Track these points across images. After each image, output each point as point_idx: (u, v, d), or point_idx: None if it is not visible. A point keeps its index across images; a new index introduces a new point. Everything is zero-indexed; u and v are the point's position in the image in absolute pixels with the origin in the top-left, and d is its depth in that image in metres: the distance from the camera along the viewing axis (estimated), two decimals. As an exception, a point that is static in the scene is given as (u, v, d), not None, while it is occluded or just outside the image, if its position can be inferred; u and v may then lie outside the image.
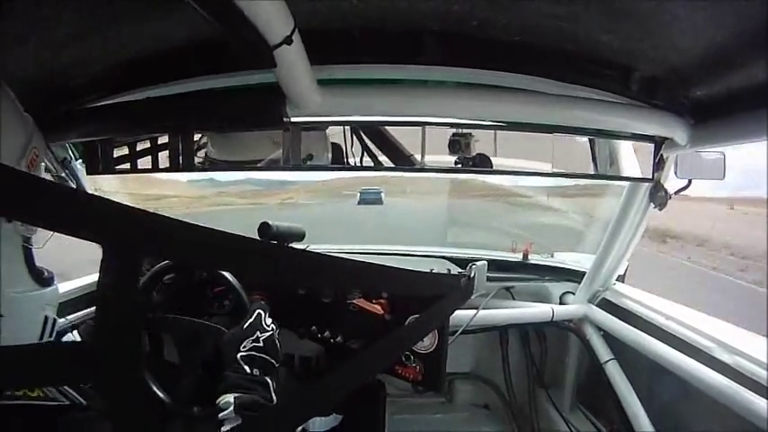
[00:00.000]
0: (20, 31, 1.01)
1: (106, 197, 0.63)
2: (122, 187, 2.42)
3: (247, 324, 1.35)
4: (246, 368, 1.26)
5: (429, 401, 2.63)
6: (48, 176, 1.63)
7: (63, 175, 1.72)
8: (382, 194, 18.63)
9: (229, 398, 1.19)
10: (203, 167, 1.54)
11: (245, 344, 1.30)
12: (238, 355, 1.28)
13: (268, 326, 1.35)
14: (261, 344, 1.32)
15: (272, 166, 1.48)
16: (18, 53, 1.11)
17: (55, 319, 1.18)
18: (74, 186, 1.75)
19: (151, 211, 0.71)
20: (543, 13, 1.02)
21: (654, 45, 1.12)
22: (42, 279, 1.13)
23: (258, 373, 1.27)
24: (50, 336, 1.16)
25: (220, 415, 1.18)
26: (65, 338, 1.77)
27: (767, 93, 1.10)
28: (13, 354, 0.64)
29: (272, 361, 1.31)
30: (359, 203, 18.58)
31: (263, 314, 1.36)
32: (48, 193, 0.59)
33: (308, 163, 1.44)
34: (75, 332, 1.69)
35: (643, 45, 1.13)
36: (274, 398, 1.25)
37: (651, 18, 0.98)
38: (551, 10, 1.01)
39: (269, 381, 1.27)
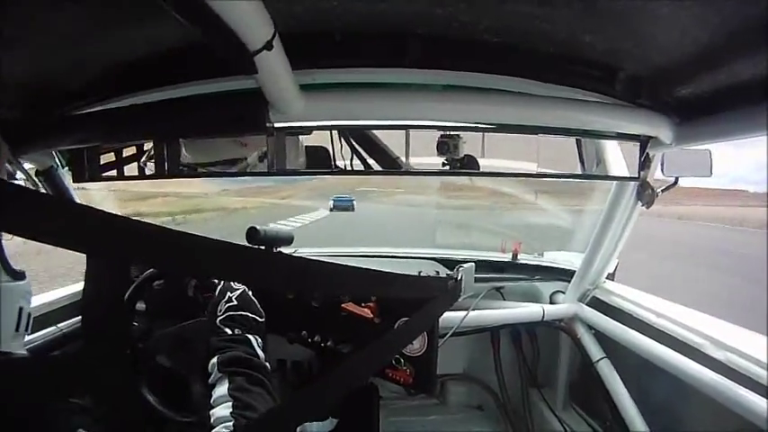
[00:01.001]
0: (6, 37, 1.00)
1: (90, 206, 0.62)
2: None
3: (218, 291, 1.40)
4: (228, 330, 1.29)
5: (422, 403, 2.64)
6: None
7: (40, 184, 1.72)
8: (354, 202, 19.52)
9: (213, 360, 1.22)
10: (189, 174, 1.53)
11: (219, 307, 1.34)
12: (217, 321, 1.31)
13: (237, 287, 1.39)
14: (234, 302, 1.36)
15: (253, 171, 1.47)
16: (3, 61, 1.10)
17: (30, 313, 1.19)
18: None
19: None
20: (525, 14, 1.02)
21: (637, 45, 1.12)
22: (14, 273, 1.15)
23: (240, 332, 1.29)
24: (27, 328, 1.18)
25: (210, 380, 1.21)
26: None
27: (752, 90, 1.11)
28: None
29: (252, 316, 1.35)
30: (331, 210, 19.29)
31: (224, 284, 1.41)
32: (29, 201, 0.58)
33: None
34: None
35: (626, 45, 1.13)
36: (260, 353, 1.27)
37: (634, 17, 0.98)
38: (533, 11, 1.00)
39: (250, 337, 1.29)
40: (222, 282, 1.41)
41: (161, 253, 0.71)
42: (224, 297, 1.36)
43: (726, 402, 1.39)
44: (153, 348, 1.61)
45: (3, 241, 1.10)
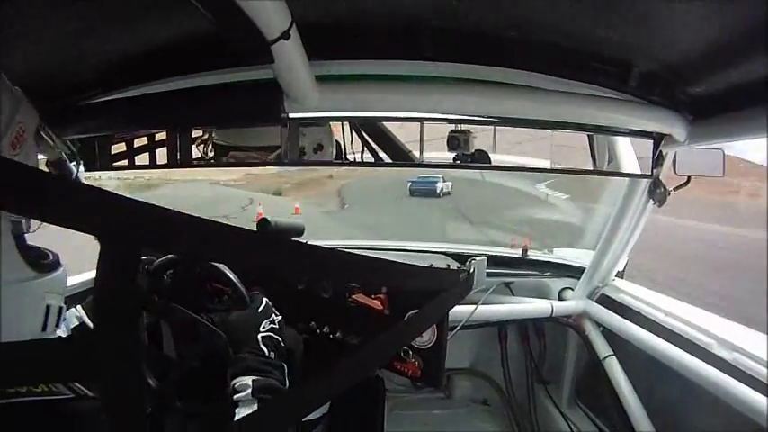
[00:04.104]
0: (17, 29, 1.01)
1: (104, 188, 0.63)
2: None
3: (261, 307, 1.39)
4: (265, 350, 1.28)
5: (428, 397, 2.64)
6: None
7: (64, 155, 1.66)
8: (438, 184, 13.56)
9: (247, 380, 1.19)
10: (201, 163, 1.53)
11: (263, 325, 1.33)
12: (259, 336, 1.30)
13: (277, 313, 1.39)
14: (277, 326, 1.35)
15: (272, 160, 1.48)
16: (16, 50, 1.11)
17: (61, 308, 1.10)
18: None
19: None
20: (541, 8, 1.02)
21: (652, 41, 1.12)
22: (41, 265, 1.05)
23: (274, 356, 1.28)
24: (56, 326, 1.09)
25: (235, 397, 1.19)
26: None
27: (766, 88, 1.10)
28: (8, 350, 0.64)
29: (284, 345, 1.34)
30: (411, 195, 14.03)
31: (269, 303, 1.40)
32: (42, 183, 0.58)
33: (318, 153, 1.44)
34: (78, 307, 1.64)
35: (641, 41, 1.13)
36: (287, 382, 1.26)
37: (649, 13, 0.98)
38: (550, 5, 1.00)
39: (284, 365, 1.29)
40: (264, 302, 1.41)
41: (174, 238, 0.71)
42: (268, 317, 1.36)
43: (732, 402, 1.38)
44: (163, 312, 1.61)
45: (27, 230, 1.05)
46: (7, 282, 0.96)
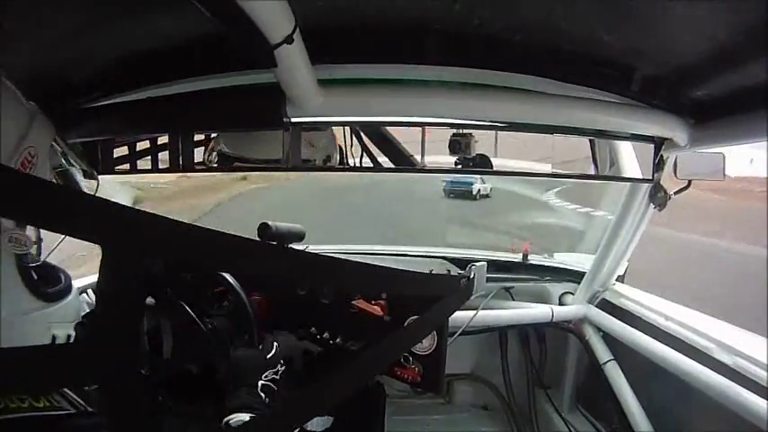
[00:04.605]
0: (19, 30, 1.00)
1: (105, 198, 0.62)
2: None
3: (270, 355, 1.42)
4: (262, 395, 1.31)
5: (428, 402, 2.63)
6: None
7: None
8: (475, 185, 11.92)
9: (244, 417, 1.22)
10: (204, 168, 1.53)
11: (267, 373, 1.36)
12: (260, 383, 1.34)
13: (282, 362, 1.43)
14: (278, 377, 1.38)
15: (274, 165, 1.47)
16: (17, 52, 1.10)
17: (69, 336, 1.08)
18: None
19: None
20: (544, 11, 1.02)
21: (654, 44, 1.12)
22: (48, 294, 1.03)
23: (267, 401, 1.31)
24: None
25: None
26: None
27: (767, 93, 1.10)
28: (7, 356, 0.63)
29: (279, 394, 1.37)
30: (447, 196, 12.18)
31: (279, 349, 1.44)
32: (46, 192, 0.58)
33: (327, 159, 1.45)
34: (90, 291, 1.58)
35: (643, 44, 1.13)
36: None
37: (652, 17, 0.98)
38: (552, 9, 1.00)
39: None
40: (275, 348, 1.44)
41: (176, 246, 0.71)
42: (274, 367, 1.39)
43: (733, 406, 1.38)
44: (170, 311, 1.59)
45: (36, 259, 1.02)
46: (9, 314, 0.95)
